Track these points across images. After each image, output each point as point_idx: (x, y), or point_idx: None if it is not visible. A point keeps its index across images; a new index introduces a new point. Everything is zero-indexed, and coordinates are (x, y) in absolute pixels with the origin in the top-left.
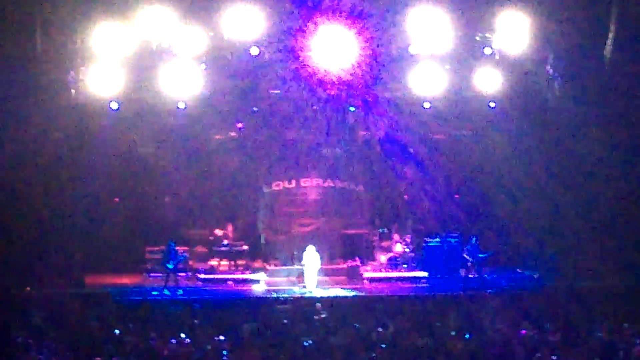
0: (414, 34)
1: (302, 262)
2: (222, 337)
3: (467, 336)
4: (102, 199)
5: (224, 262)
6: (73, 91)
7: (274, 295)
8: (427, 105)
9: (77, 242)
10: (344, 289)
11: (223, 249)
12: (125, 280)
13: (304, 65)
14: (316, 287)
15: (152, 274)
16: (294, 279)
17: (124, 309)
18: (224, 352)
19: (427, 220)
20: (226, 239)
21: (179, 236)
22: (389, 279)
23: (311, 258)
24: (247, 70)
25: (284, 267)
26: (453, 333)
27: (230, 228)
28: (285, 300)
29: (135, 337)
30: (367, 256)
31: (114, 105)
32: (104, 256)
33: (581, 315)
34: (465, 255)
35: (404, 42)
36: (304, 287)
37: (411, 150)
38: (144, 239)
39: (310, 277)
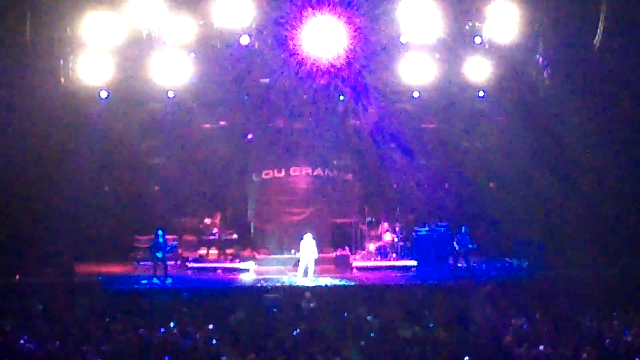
0: (404, 23)
1: (299, 250)
2: (211, 326)
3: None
4: (92, 188)
5: (213, 251)
6: (62, 79)
7: (263, 284)
8: (416, 94)
9: (67, 231)
10: (333, 277)
11: (212, 237)
12: (115, 268)
13: (294, 54)
14: (313, 275)
15: (141, 263)
16: (290, 267)
17: (113, 297)
18: (213, 341)
19: (416, 209)
20: (215, 227)
21: (168, 225)
22: (378, 268)
23: (308, 246)
24: (237, 59)
25: (277, 256)
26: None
27: (219, 217)
28: (274, 289)
29: (124, 326)
30: (357, 245)
31: (104, 94)
32: (93, 245)
33: (570, 305)
34: (454, 244)
35: (394, 31)
36: (301, 275)
37: (401, 139)
38: (133, 228)
39: (304, 265)
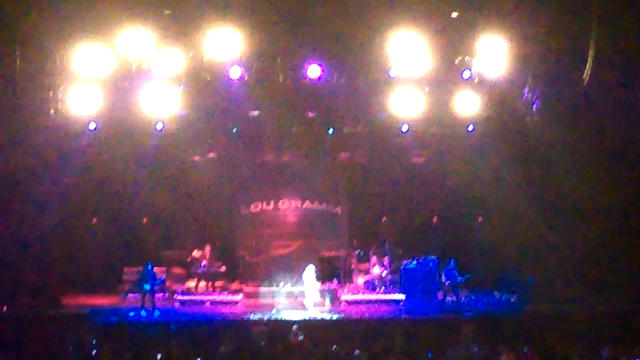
0: (393, 56)
1: (288, 282)
2: (199, 359)
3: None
4: (80, 219)
5: (202, 284)
6: (52, 111)
7: (251, 317)
8: (405, 127)
9: (54, 262)
10: (322, 311)
11: (201, 270)
12: (102, 301)
13: (284, 86)
14: (314, 307)
15: (129, 295)
16: (293, 299)
17: (100, 329)
18: None
19: (405, 242)
20: (204, 260)
21: (156, 257)
22: (366, 302)
23: (310, 278)
24: (226, 91)
25: (266, 289)
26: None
27: (208, 249)
28: (262, 322)
29: (112, 359)
30: (345, 278)
31: (92, 126)
32: (81, 276)
33: (559, 340)
34: (443, 278)
35: (384, 65)
36: (311, 307)
37: (390, 172)
38: (121, 260)
39: (309, 297)
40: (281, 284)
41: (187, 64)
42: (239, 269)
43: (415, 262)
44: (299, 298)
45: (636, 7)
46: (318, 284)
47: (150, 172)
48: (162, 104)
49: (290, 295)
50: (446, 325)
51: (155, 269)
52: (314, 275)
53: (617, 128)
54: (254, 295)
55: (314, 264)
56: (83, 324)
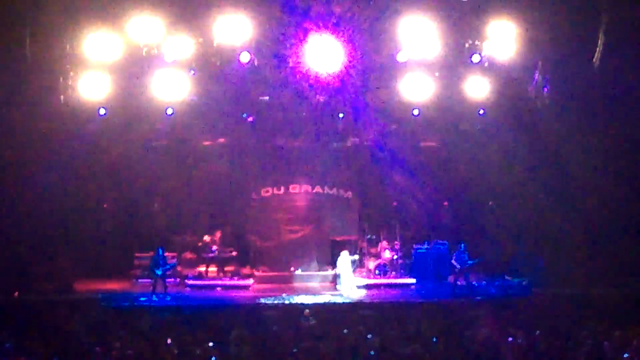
0: (403, 41)
1: (299, 267)
2: (210, 344)
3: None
4: (91, 205)
5: (212, 269)
6: (62, 97)
7: (263, 301)
8: (416, 112)
9: (66, 248)
10: (332, 295)
11: (211, 255)
12: (114, 285)
13: (294, 71)
14: (353, 291)
15: (140, 280)
16: (327, 283)
17: (112, 314)
18: (213, 359)
19: (416, 226)
20: (215, 245)
21: (167, 242)
22: (377, 286)
23: (344, 262)
24: (236, 76)
25: (276, 273)
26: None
27: (218, 234)
28: (273, 307)
29: (123, 343)
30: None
31: (102, 111)
32: (92, 262)
33: (570, 322)
34: (453, 262)
35: (393, 49)
36: (338, 292)
37: (400, 156)
38: (132, 245)
39: (345, 281)
40: (292, 268)
41: (197, 49)
42: (250, 253)
43: (426, 246)
44: (335, 283)
45: None
46: (350, 269)
47: (161, 158)
48: (172, 90)
49: (324, 279)
50: (457, 309)
51: (166, 253)
52: (349, 260)
53: (628, 111)
54: (265, 279)
55: (323, 248)
56: (94, 308)
